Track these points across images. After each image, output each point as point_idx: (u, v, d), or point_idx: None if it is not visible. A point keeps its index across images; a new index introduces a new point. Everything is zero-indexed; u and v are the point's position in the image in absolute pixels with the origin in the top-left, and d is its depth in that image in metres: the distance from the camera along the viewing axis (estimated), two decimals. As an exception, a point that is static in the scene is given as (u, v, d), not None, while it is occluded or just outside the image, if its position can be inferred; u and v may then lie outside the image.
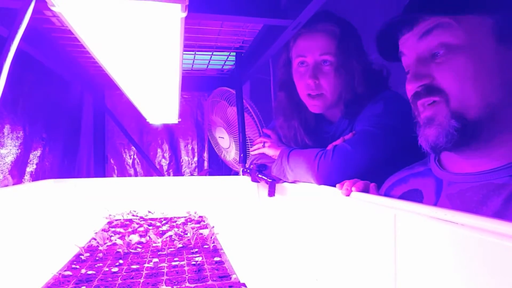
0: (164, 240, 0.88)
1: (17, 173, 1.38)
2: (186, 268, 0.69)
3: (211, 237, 0.87)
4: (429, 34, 0.55)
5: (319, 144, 1.05)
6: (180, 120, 1.70)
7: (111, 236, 0.91)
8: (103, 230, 1.00)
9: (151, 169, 2.19)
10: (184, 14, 0.50)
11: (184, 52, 1.43)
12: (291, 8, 0.90)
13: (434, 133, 0.55)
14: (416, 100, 0.58)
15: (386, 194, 0.72)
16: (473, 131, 0.53)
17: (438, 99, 0.55)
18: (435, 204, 0.59)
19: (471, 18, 0.52)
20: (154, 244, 0.86)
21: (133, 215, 1.18)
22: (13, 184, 1.33)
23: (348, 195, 0.66)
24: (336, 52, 0.94)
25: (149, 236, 0.90)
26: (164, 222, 1.11)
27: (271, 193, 0.99)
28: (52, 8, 0.51)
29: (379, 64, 0.99)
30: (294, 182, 0.96)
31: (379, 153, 0.86)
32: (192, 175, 2.30)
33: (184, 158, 2.31)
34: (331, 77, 0.95)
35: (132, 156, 2.25)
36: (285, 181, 0.99)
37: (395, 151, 0.87)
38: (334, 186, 0.74)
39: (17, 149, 1.37)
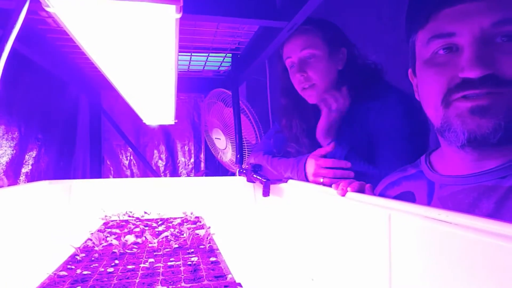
0: (160, 240, 0.88)
1: (12, 174, 1.37)
2: (182, 268, 0.69)
3: (207, 238, 0.87)
4: (509, 22, 0.48)
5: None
6: (176, 121, 1.70)
7: (107, 236, 0.90)
8: (99, 230, 0.99)
9: (147, 170, 2.19)
10: (179, 15, 0.50)
11: (180, 53, 1.43)
12: (286, 10, 0.91)
13: (491, 125, 0.49)
14: (465, 89, 0.51)
15: (381, 196, 0.72)
16: None
17: (501, 90, 0.49)
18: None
19: None
20: (150, 245, 0.86)
21: (129, 216, 1.17)
22: (8, 185, 1.32)
23: (343, 195, 0.67)
24: (315, 45, 1.02)
25: (145, 236, 0.90)
26: (160, 222, 1.11)
27: (266, 193, 0.99)
28: (47, 9, 0.51)
29: (375, 61, 1.06)
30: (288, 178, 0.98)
31: (403, 156, 0.91)
32: (189, 176, 2.30)
33: (181, 159, 2.31)
34: (317, 67, 1.02)
35: (128, 157, 2.24)
36: (283, 182, 1.00)
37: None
38: None
39: (12, 150, 1.36)
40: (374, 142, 0.97)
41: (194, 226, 1.04)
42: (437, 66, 0.55)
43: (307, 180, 0.98)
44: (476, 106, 0.50)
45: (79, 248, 0.81)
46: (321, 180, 0.93)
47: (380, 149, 0.96)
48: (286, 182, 0.99)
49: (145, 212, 1.20)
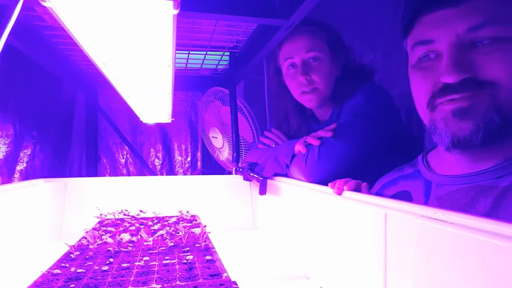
0: (156, 239, 0.88)
1: (6, 171, 1.36)
2: (177, 267, 0.68)
3: (203, 236, 0.87)
4: (483, 27, 0.49)
5: None
6: (173, 119, 1.69)
7: (102, 235, 0.90)
8: (94, 229, 0.99)
9: (144, 169, 2.18)
10: (176, 11, 0.50)
11: (178, 52, 1.42)
12: (285, 8, 0.91)
13: (470, 127, 0.50)
14: (447, 93, 0.52)
15: (377, 195, 0.72)
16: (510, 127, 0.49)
17: (481, 92, 0.50)
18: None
19: None
20: (145, 243, 0.85)
21: (124, 214, 1.17)
22: (2, 183, 1.31)
23: (339, 194, 0.67)
24: (320, 48, 0.99)
25: (140, 235, 0.89)
26: (156, 221, 1.10)
27: (262, 191, 0.99)
28: (43, 4, 0.50)
29: (368, 63, 1.07)
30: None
31: (364, 142, 0.89)
32: (185, 174, 2.29)
33: (178, 157, 2.30)
34: (321, 71, 0.99)
35: (125, 156, 2.23)
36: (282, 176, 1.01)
37: (380, 141, 0.90)
38: (324, 181, 0.75)
39: (7, 147, 1.35)
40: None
41: (190, 224, 1.04)
42: (422, 71, 0.57)
43: (292, 151, 0.96)
44: (456, 109, 0.52)
45: (73, 246, 0.81)
46: (305, 141, 0.92)
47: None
48: (272, 174, 1.00)
49: (141, 211, 1.19)
